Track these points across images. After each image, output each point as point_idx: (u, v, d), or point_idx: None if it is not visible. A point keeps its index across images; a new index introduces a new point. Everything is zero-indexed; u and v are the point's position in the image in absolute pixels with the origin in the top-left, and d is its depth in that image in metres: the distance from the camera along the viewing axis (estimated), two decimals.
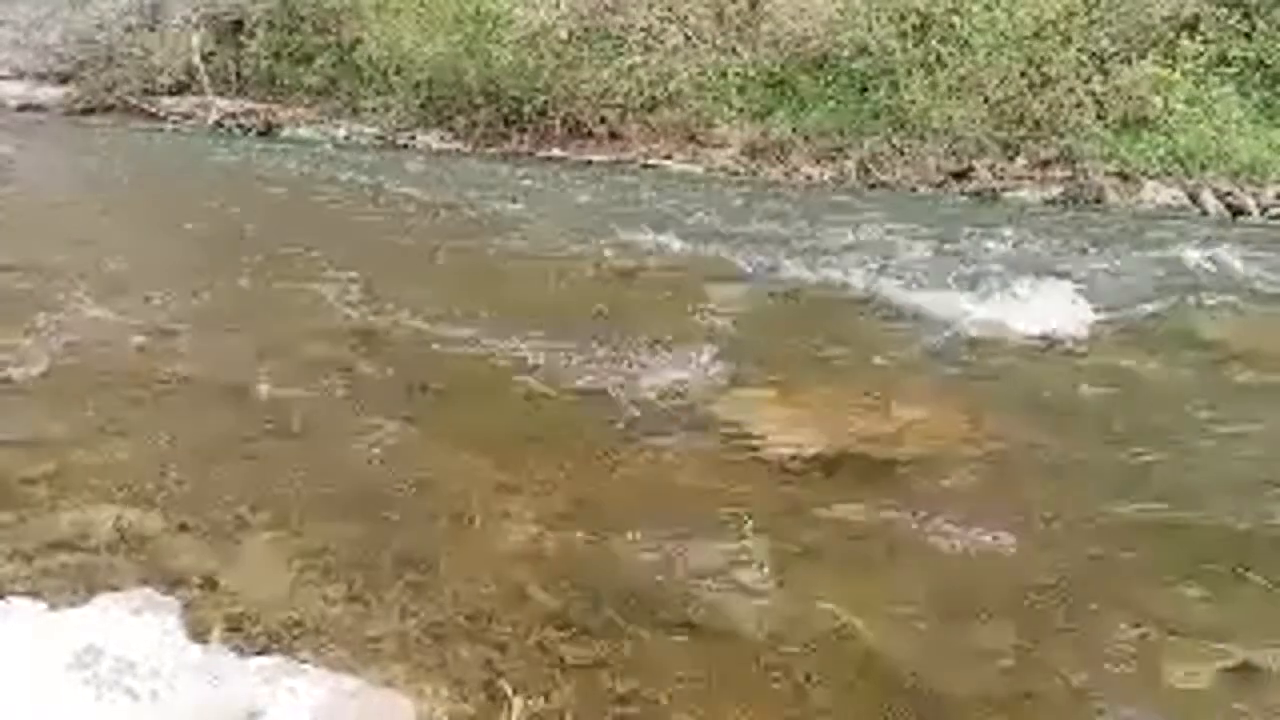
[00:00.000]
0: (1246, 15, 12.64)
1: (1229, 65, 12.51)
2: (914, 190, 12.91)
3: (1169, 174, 11.91)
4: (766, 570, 2.44)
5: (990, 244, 8.09)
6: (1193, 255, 7.98)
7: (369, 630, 2.11)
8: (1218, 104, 12.25)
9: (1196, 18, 12.80)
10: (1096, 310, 5.57)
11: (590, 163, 15.14)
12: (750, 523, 2.69)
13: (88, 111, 18.93)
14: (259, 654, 1.95)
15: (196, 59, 18.53)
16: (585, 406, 3.69)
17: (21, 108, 19.25)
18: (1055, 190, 12.20)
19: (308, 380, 3.79)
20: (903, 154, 13.35)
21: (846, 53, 14.57)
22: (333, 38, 17.84)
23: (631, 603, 2.29)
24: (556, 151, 15.74)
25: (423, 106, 16.83)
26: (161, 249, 6.78)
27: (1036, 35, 13.06)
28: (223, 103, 18.36)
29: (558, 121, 15.90)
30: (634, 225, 8.76)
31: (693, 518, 2.76)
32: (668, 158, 15.16)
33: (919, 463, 3.27)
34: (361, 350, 4.24)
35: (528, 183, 12.45)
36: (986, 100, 13.10)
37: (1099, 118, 12.61)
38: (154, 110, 18.91)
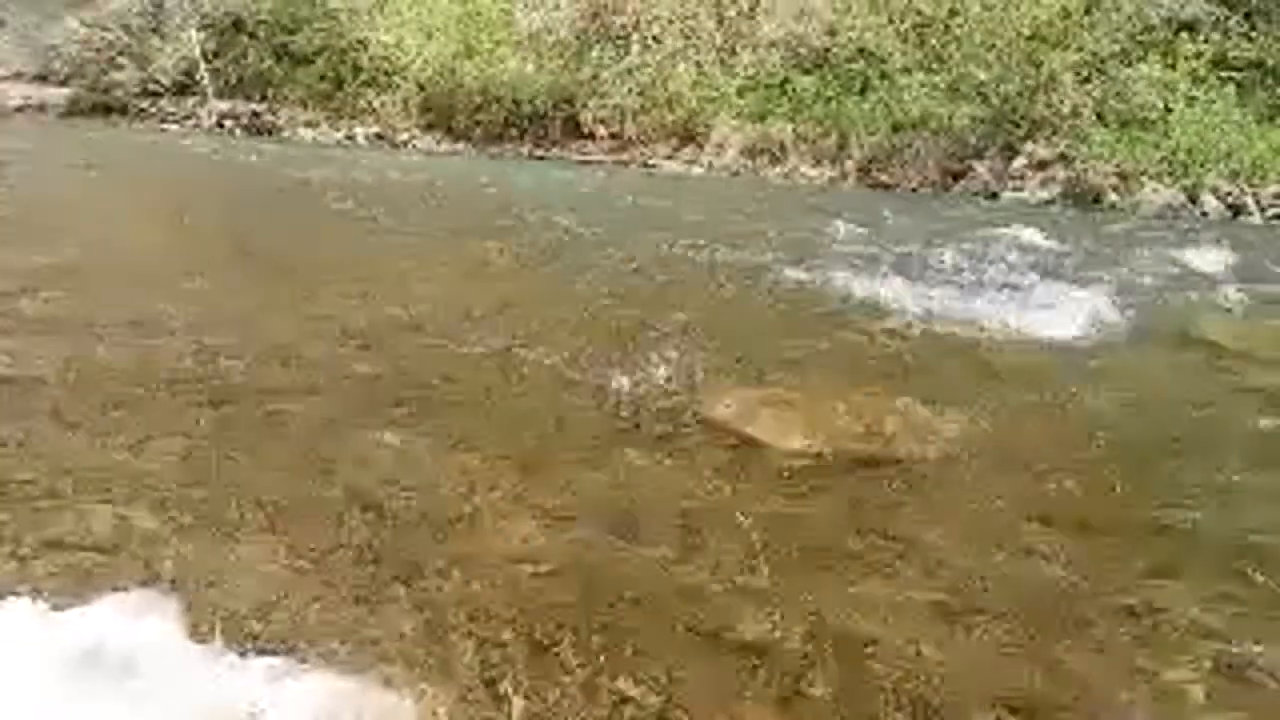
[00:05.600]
0: (1247, 16, 12.65)
1: (1229, 65, 12.52)
2: (914, 190, 12.92)
3: (1169, 174, 11.93)
4: (766, 569, 2.44)
5: (989, 244, 8.08)
6: (1192, 255, 7.99)
7: (369, 630, 2.11)
8: (1218, 104, 12.27)
9: (1196, 18, 12.81)
10: (1096, 310, 5.57)
11: (589, 163, 15.15)
12: (749, 522, 2.69)
13: (88, 112, 18.94)
14: (259, 654, 1.95)
15: (197, 59, 18.54)
16: (584, 406, 3.69)
17: (21, 108, 19.26)
18: (1055, 190, 12.22)
19: (308, 380, 3.79)
20: (903, 154, 13.36)
21: (846, 53, 14.59)
22: (333, 38, 17.85)
23: (631, 602, 2.29)
24: (556, 152, 15.77)
25: (423, 107, 16.85)
26: (161, 250, 6.78)
27: (1036, 36, 13.08)
28: (222, 103, 18.37)
29: (557, 122, 15.93)
30: (632, 225, 8.77)
31: (691, 516, 2.76)
32: (667, 158, 15.18)
33: (920, 462, 3.27)
34: (362, 350, 4.24)
35: (526, 182, 12.45)
36: (986, 100, 13.11)
37: (1098, 118, 12.63)
38: (154, 111, 18.92)
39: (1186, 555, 2.71)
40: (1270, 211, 11.29)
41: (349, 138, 17.11)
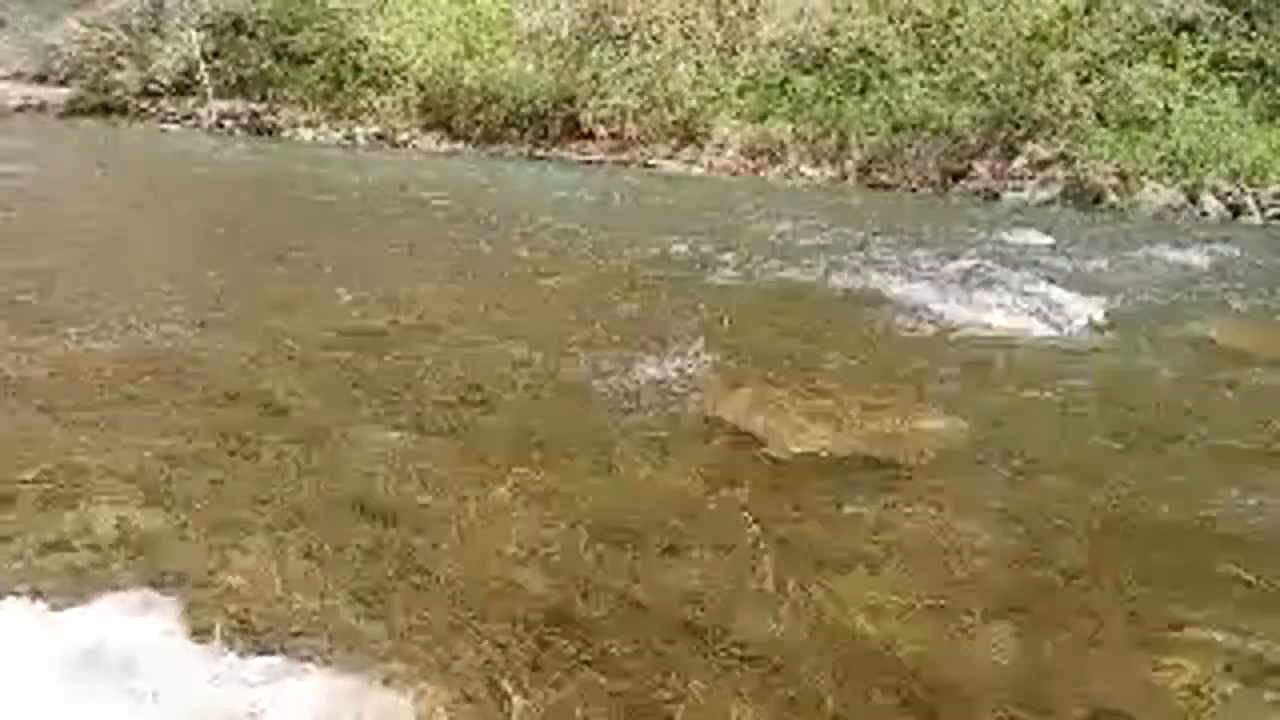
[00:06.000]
0: (1247, 16, 12.66)
1: (1229, 65, 12.52)
2: (914, 190, 12.92)
3: (1169, 174, 11.93)
4: (768, 569, 2.44)
5: (989, 244, 8.09)
6: (1192, 255, 8.00)
7: (369, 630, 2.11)
8: (1218, 104, 12.26)
9: (1196, 18, 12.82)
10: (1096, 311, 5.58)
11: (589, 163, 15.15)
12: (752, 522, 2.69)
13: (88, 112, 18.93)
14: (259, 654, 1.95)
15: (197, 59, 18.53)
16: (586, 406, 3.69)
17: (21, 108, 19.25)
18: (1055, 190, 12.21)
19: (309, 380, 3.79)
20: (903, 154, 13.36)
21: (846, 53, 14.59)
22: (333, 38, 17.84)
23: (632, 602, 2.29)
24: (556, 152, 15.77)
25: (423, 107, 16.85)
26: (161, 250, 6.78)
27: (1036, 36, 13.08)
28: (222, 103, 18.36)
29: (557, 122, 15.93)
30: (632, 225, 8.77)
31: (693, 517, 2.76)
32: (667, 158, 15.17)
33: (921, 462, 3.27)
34: (362, 350, 4.24)
35: (526, 182, 12.46)
36: (986, 100, 13.11)
37: (1099, 118, 12.63)
38: (154, 111, 18.92)
39: (1186, 553, 2.71)
40: (1270, 211, 11.29)
41: (349, 138, 17.11)
